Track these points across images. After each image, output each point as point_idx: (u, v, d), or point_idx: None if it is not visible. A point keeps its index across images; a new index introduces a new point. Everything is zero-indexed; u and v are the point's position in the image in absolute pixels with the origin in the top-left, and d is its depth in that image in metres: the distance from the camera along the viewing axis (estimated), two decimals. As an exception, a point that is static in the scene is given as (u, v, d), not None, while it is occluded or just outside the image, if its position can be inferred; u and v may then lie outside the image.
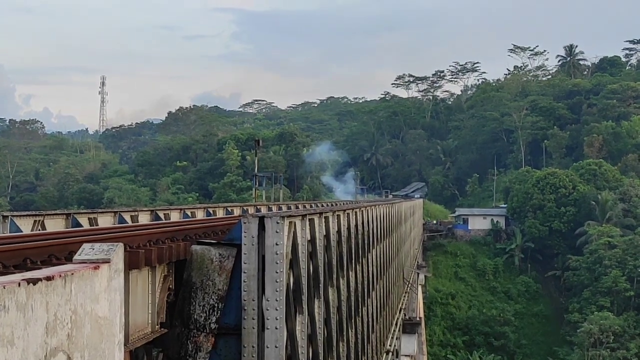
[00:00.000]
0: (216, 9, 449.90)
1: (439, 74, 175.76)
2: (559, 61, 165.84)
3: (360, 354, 19.84)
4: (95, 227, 15.99)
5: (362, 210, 21.03)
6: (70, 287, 4.52)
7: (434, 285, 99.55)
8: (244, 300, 9.53)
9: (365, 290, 21.65)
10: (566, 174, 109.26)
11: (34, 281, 4.11)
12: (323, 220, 13.60)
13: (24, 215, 15.54)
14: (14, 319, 3.90)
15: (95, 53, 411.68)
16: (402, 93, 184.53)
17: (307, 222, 11.86)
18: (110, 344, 5.18)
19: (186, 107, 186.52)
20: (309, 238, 11.98)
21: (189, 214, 24.34)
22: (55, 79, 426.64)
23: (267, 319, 9.53)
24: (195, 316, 9.49)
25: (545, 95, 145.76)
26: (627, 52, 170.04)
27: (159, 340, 9.01)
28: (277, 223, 9.58)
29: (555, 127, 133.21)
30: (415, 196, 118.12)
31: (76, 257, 5.25)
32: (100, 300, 5.00)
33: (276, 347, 9.51)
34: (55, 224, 16.05)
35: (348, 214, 17.51)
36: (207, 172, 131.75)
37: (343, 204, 40.55)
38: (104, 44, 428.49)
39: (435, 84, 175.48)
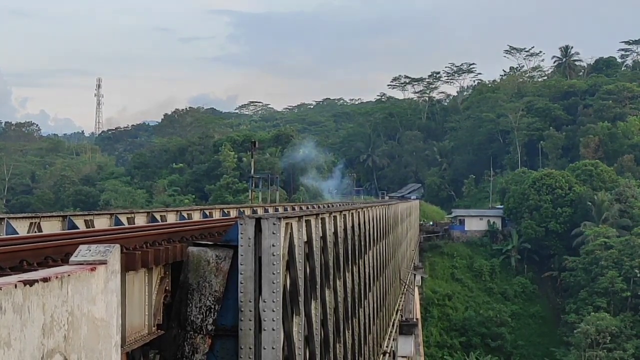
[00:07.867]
0: (212, 11, 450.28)
1: (434, 75, 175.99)
2: (554, 62, 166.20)
3: (357, 355, 19.82)
4: (91, 229, 15.96)
5: (359, 212, 21.02)
6: (67, 289, 4.52)
7: (431, 287, 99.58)
8: (241, 302, 9.52)
9: (362, 291, 21.65)
10: (562, 175, 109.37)
11: (31, 283, 4.10)
12: (319, 221, 13.60)
13: (20, 218, 15.50)
14: (10, 320, 3.89)
15: (91, 56, 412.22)
16: (398, 94, 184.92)
17: (304, 224, 11.86)
18: (107, 345, 5.18)
19: (182, 109, 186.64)
20: (305, 239, 11.97)
21: (186, 215, 24.32)
22: (51, 82, 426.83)
23: (264, 320, 9.53)
24: (192, 318, 9.48)
25: (541, 96, 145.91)
26: (623, 52, 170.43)
27: (155, 341, 9.00)
28: (274, 224, 9.58)
29: (551, 128, 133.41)
30: (412, 197, 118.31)
31: (73, 258, 5.24)
32: (97, 302, 4.99)
33: (273, 348, 9.51)
34: (51, 226, 16.01)
35: (344, 215, 17.51)
36: (204, 174, 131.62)
37: (339, 205, 40.54)
38: (100, 46, 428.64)
39: (431, 85, 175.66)
